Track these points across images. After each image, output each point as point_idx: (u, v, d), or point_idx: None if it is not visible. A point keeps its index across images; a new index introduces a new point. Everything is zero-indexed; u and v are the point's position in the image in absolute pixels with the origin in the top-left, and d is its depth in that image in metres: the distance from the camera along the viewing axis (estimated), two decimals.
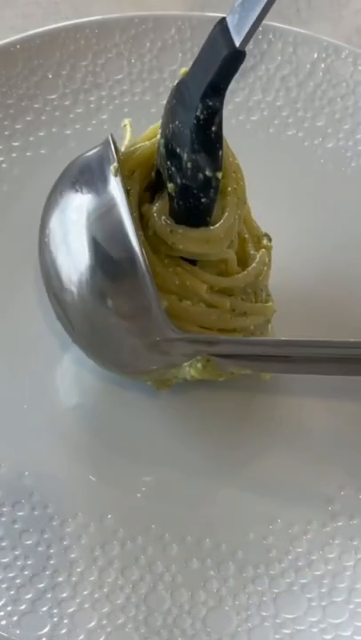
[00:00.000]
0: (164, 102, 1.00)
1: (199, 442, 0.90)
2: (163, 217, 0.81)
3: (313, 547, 0.85)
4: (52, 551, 0.83)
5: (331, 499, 0.88)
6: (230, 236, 0.81)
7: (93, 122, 1.05)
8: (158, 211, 0.81)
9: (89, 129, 1.04)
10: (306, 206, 1.02)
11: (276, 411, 0.91)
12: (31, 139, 1.04)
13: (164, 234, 0.80)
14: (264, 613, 0.82)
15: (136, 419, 0.90)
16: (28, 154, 1.03)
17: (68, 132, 1.04)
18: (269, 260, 0.87)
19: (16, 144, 1.04)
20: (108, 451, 0.89)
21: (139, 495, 0.87)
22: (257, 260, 0.85)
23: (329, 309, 0.96)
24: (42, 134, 1.04)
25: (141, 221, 0.81)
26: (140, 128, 0.97)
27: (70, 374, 0.92)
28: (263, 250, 0.87)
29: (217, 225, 0.81)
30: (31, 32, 1.05)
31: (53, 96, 1.06)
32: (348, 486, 0.88)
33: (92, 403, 0.91)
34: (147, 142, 0.84)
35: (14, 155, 1.03)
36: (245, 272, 0.84)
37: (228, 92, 0.96)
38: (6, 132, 1.04)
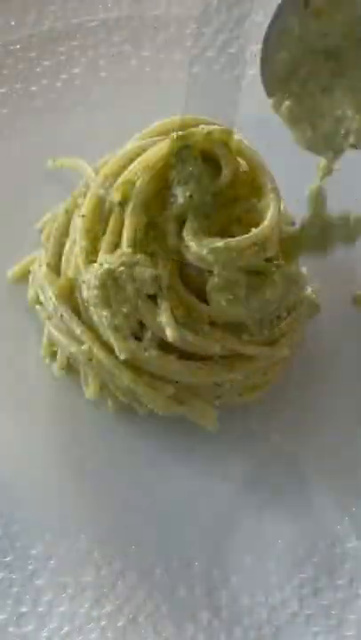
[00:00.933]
0: (146, 54, 0.97)
1: (185, 452, 0.84)
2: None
3: (320, 572, 0.79)
4: (14, 577, 0.77)
5: (340, 517, 0.81)
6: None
7: (63, 76, 0.97)
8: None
9: (58, 84, 0.97)
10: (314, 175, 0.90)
11: (279, 419, 0.85)
12: None
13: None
14: None
15: (116, 429, 0.84)
16: None
17: (34, 88, 0.97)
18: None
19: None
20: (81, 461, 0.82)
21: (117, 512, 0.80)
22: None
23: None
24: (3, 91, 0.96)
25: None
26: (119, 85, 0.96)
27: (42, 383, 0.85)
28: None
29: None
30: None
31: (17, 46, 0.98)
32: (359, 502, 0.82)
33: (64, 411, 0.84)
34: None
35: None
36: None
37: (220, 43, 0.97)
38: None
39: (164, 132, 0.80)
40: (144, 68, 0.97)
